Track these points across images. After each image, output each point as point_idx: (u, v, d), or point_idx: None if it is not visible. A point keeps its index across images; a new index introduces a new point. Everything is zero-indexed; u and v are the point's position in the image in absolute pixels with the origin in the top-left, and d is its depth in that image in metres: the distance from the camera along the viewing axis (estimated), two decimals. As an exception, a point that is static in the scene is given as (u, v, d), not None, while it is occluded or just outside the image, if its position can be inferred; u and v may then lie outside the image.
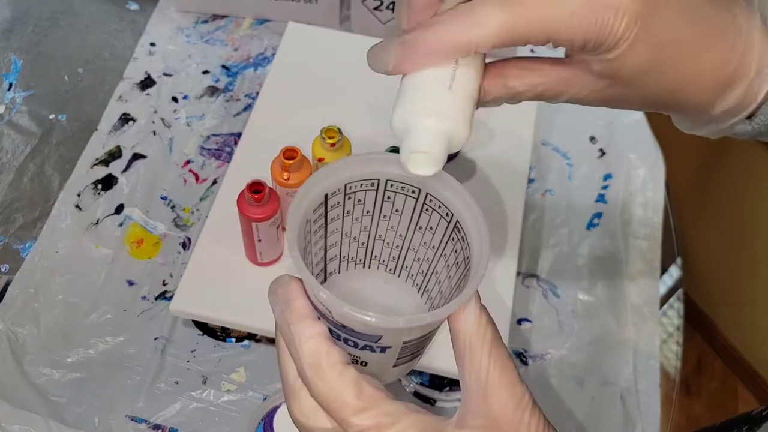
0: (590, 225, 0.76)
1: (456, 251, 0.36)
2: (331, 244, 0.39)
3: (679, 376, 0.71)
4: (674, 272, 0.77)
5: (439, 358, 0.60)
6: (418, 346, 0.35)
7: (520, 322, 0.69)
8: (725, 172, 1.40)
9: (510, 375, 0.32)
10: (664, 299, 0.74)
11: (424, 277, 0.40)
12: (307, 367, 0.32)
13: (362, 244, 0.40)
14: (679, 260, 0.78)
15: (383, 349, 0.34)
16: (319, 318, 0.33)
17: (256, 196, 0.58)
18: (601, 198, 0.78)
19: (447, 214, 0.36)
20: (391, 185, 0.37)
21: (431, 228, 0.38)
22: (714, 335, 1.53)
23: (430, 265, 0.39)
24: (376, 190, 0.37)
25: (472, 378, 0.32)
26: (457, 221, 0.36)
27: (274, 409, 0.59)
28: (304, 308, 0.33)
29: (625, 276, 0.73)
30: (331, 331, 0.33)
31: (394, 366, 0.36)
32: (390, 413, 0.31)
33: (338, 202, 0.37)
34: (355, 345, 0.34)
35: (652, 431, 0.64)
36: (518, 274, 0.71)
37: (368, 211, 0.38)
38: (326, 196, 0.36)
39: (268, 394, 0.63)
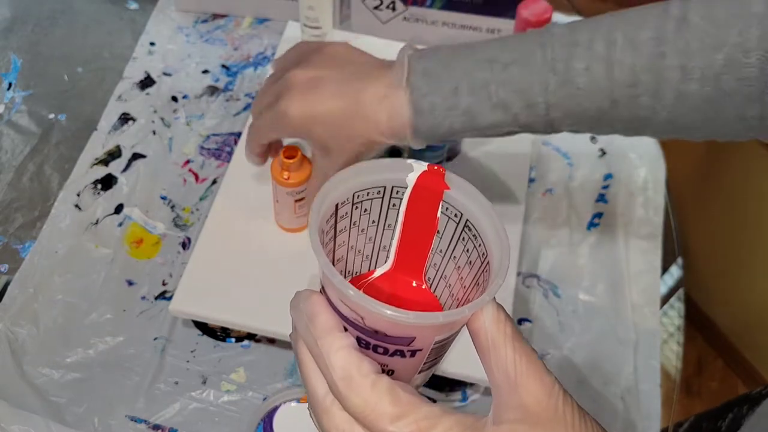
0: (591, 225, 0.76)
1: (468, 251, 0.36)
2: (338, 259, 0.38)
3: (679, 376, 0.71)
4: (675, 272, 0.77)
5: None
6: (444, 347, 0.35)
7: (520, 322, 0.69)
8: (725, 172, 1.40)
9: (537, 366, 0.32)
10: (665, 299, 0.74)
11: (431, 284, 0.39)
12: (339, 381, 0.31)
13: (366, 257, 0.40)
14: (679, 260, 0.78)
15: (413, 353, 0.33)
16: (345, 329, 0.33)
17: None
18: (601, 198, 0.78)
19: (456, 215, 0.36)
20: (397, 192, 0.37)
21: (438, 232, 0.37)
22: (714, 335, 1.53)
23: (437, 271, 0.39)
24: (382, 197, 0.37)
25: (500, 373, 0.32)
26: (467, 220, 0.35)
27: (274, 409, 0.59)
28: (330, 321, 0.32)
29: (625, 276, 0.73)
30: (359, 340, 0.33)
31: (419, 372, 0.35)
32: (428, 416, 0.30)
33: (346, 213, 0.36)
34: (386, 351, 0.33)
35: (652, 431, 0.64)
36: (518, 274, 0.71)
37: (374, 221, 0.38)
38: (336, 206, 0.36)
39: (267, 394, 0.62)
